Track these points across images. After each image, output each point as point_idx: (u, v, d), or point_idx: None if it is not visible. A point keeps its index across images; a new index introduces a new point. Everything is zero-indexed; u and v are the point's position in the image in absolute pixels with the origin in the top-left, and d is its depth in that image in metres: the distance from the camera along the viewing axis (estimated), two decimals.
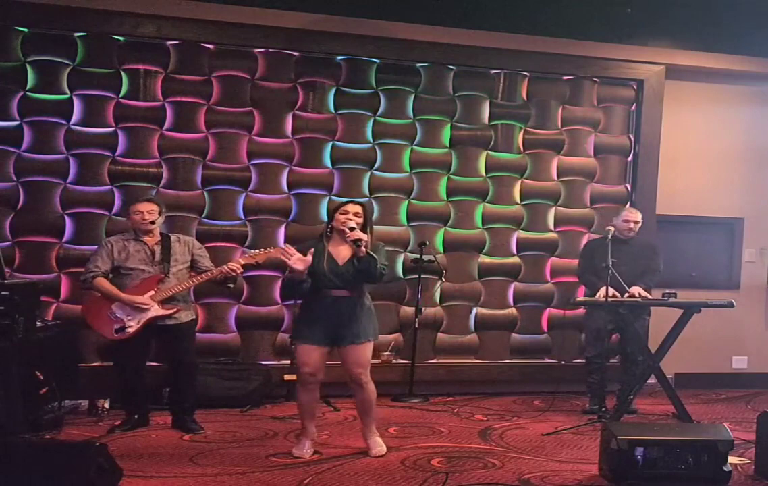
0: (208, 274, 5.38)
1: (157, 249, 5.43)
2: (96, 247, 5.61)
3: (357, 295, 4.78)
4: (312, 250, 4.75)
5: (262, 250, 5.41)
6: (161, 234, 5.51)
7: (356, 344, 4.76)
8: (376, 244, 4.85)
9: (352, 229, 4.68)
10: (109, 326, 5.29)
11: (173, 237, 5.55)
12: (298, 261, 4.65)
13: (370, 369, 4.90)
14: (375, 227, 5.18)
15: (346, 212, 4.78)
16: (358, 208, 4.83)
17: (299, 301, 6.29)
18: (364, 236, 4.68)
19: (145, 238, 5.43)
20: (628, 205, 7.18)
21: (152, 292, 5.32)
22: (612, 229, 6.11)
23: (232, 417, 5.89)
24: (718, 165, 7.63)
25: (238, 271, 5.37)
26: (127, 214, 5.53)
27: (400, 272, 6.77)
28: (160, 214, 5.49)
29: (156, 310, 5.31)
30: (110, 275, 5.36)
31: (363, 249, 4.64)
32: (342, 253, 4.79)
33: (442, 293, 6.96)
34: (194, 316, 5.65)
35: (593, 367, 6.25)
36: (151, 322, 5.31)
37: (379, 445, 4.98)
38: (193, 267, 5.50)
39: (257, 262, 5.43)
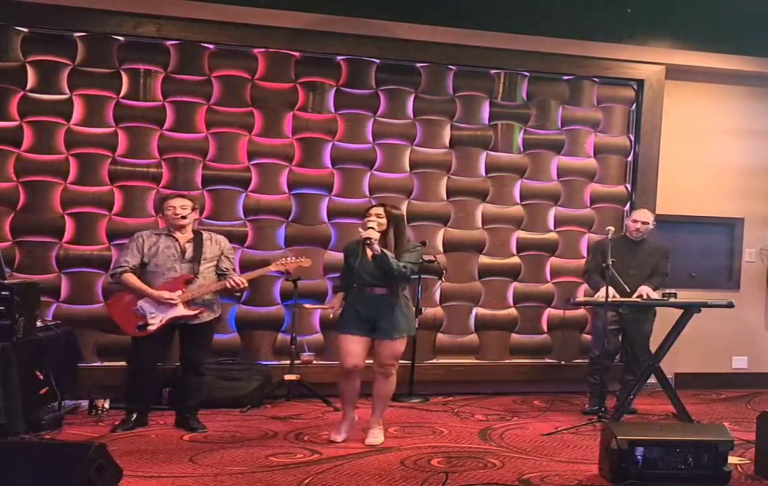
0: (217, 285, 5.43)
1: (189, 247, 5.42)
2: (126, 241, 5.62)
3: (391, 291, 5.05)
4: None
5: (291, 259, 5.67)
6: (194, 231, 5.51)
7: (390, 340, 5.04)
8: (409, 243, 5.17)
9: (370, 228, 4.98)
10: (132, 322, 5.31)
11: (205, 235, 5.55)
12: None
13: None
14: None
15: (370, 215, 5.09)
16: (380, 210, 5.13)
17: (300, 301, 6.38)
18: (373, 235, 4.94)
19: (177, 234, 5.43)
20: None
21: (180, 292, 5.33)
22: (612, 229, 6.12)
23: (232, 417, 5.89)
24: (718, 165, 7.62)
25: (241, 286, 5.46)
26: (161, 209, 5.54)
27: None
28: (193, 210, 5.51)
29: (181, 310, 5.33)
30: (138, 270, 5.37)
31: (374, 247, 4.92)
32: (378, 249, 5.04)
33: (442, 293, 6.96)
34: (216, 314, 5.63)
35: (596, 367, 6.24)
36: (173, 321, 5.32)
37: (376, 436, 5.18)
38: (216, 266, 5.51)
39: (287, 271, 5.64)
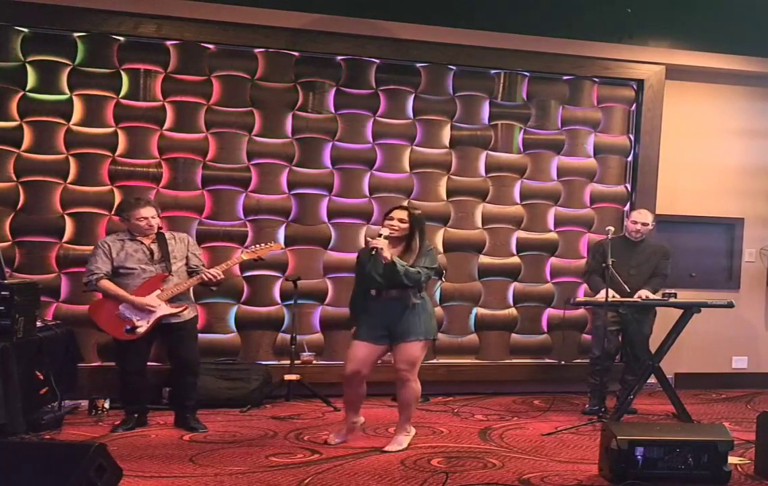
0: (194, 280, 5.45)
1: (155, 247, 5.44)
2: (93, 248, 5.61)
3: (404, 294, 4.91)
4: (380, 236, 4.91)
5: (262, 245, 5.63)
6: (156, 233, 5.53)
7: (403, 342, 4.91)
8: (426, 247, 4.99)
9: (383, 236, 4.85)
10: (119, 326, 5.31)
11: (167, 234, 5.57)
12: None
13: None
14: (376, 227, 5.17)
15: (392, 218, 4.97)
16: (403, 215, 4.99)
17: (300, 301, 6.38)
18: (378, 244, 4.80)
19: (140, 238, 5.45)
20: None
21: (159, 291, 5.34)
22: (612, 229, 6.12)
23: (232, 417, 5.89)
24: (718, 165, 7.61)
25: (218, 278, 5.45)
26: (126, 218, 5.49)
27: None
28: (158, 215, 5.54)
29: (165, 309, 5.34)
30: (110, 275, 5.38)
31: (384, 256, 4.79)
32: (393, 254, 4.90)
33: (442, 293, 6.96)
34: (196, 313, 5.70)
35: (597, 368, 6.24)
36: (159, 321, 5.32)
37: (397, 443, 5.06)
38: (186, 264, 5.53)
39: (259, 258, 5.58)
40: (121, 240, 5.44)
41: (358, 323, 5.05)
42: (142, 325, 5.29)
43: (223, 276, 5.53)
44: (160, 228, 5.53)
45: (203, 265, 5.59)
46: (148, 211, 5.44)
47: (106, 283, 5.33)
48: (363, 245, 6.15)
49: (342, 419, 5.29)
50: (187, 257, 5.54)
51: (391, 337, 4.94)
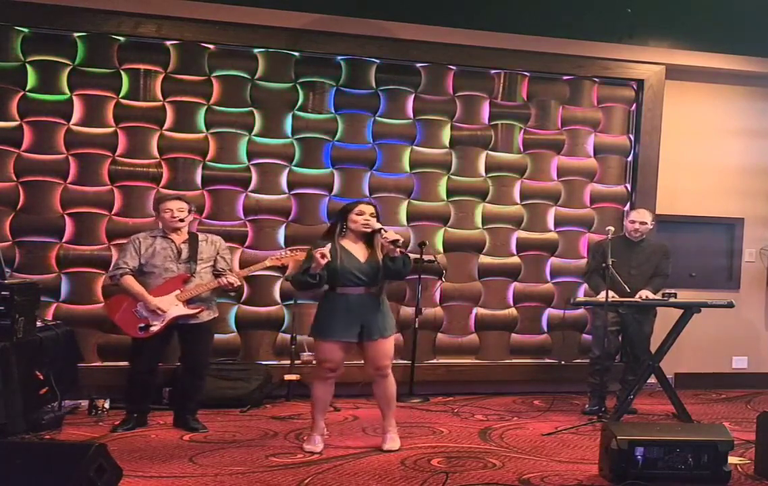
0: (213, 283, 5.41)
1: (185, 247, 5.44)
2: (124, 242, 5.62)
3: (379, 291, 4.93)
4: (328, 246, 4.84)
5: (287, 252, 5.63)
6: (189, 233, 5.53)
7: (384, 338, 4.92)
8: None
9: (385, 230, 4.86)
10: (134, 324, 5.32)
11: (201, 236, 5.58)
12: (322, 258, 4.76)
13: None
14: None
15: (363, 212, 4.91)
16: (372, 209, 4.99)
17: (299, 301, 6.38)
18: (401, 237, 4.84)
19: (172, 236, 5.45)
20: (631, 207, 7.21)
21: (178, 292, 5.35)
22: (612, 229, 6.12)
23: (232, 417, 5.89)
24: (718, 165, 7.61)
25: (235, 285, 5.46)
26: (157, 211, 5.54)
27: None
28: (189, 212, 5.52)
29: (180, 310, 5.34)
30: (136, 272, 5.39)
31: (398, 250, 4.80)
32: (361, 251, 4.91)
33: (442, 293, 6.96)
34: (215, 314, 5.65)
35: (596, 368, 6.24)
36: (174, 321, 5.33)
37: (392, 441, 5.07)
38: (213, 267, 5.52)
39: (284, 266, 5.59)
40: (153, 237, 5.46)
41: (324, 322, 4.90)
42: (156, 324, 5.30)
43: (239, 282, 5.51)
44: (181, 220, 5.45)
45: (230, 270, 5.56)
46: (173, 204, 5.46)
47: (128, 280, 5.35)
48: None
49: (312, 426, 5.11)
50: (215, 260, 5.52)
51: (363, 334, 4.87)
